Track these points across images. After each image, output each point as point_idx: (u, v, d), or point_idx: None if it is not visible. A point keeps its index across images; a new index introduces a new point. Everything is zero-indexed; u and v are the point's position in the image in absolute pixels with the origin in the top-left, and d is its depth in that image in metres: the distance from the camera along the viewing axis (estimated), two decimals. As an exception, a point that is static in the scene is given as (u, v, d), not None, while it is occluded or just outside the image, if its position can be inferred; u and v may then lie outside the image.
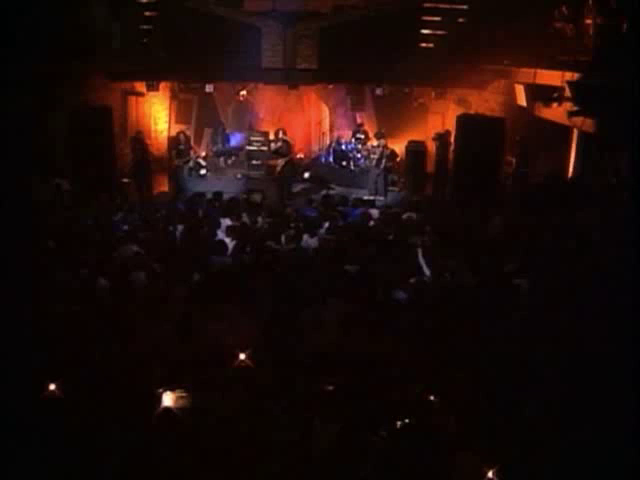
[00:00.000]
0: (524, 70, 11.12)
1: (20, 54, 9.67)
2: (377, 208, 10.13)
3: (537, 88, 10.62)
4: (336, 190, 13.24)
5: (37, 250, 7.42)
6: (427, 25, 13.03)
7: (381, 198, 12.63)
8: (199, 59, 12.38)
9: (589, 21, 8.95)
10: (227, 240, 7.68)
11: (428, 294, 6.11)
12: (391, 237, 8.24)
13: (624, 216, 7.98)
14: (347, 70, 12.51)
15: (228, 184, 13.53)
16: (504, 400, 4.74)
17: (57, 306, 5.73)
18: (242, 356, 4.90)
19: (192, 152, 13.89)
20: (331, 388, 4.87)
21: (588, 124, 9.15)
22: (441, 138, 13.41)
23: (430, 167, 13.88)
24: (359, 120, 15.36)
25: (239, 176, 14.33)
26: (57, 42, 10.43)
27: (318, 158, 15.31)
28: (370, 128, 15.14)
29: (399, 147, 14.42)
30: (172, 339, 5.26)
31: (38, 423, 4.42)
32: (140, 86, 13.83)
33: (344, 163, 14.49)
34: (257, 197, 10.23)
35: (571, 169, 11.38)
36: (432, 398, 4.55)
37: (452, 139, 12.96)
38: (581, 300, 6.08)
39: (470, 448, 4.39)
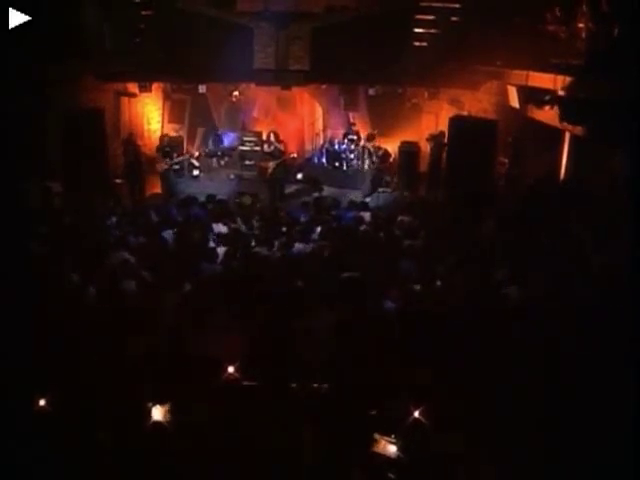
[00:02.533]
0: (516, 72, 11.11)
1: (11, 56, 9.61)
2: (370, 210, 10.09)
3: (529, 90, 10.62)
4: (328, 191, 13.19)
5: (27, 256, 7.40)
6: (419, 25, 12.97)
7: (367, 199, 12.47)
8: (191, 60, 12.31)
9: (582, 25, 8.93)
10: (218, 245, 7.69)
11: (418, 303, 6.12)
12: (383, 242, 8.25)
13: (621, 217, 8.02)
14: (339, 71, 12.45)
15: (221, 185, 13.51)
16: (495, 411, 4.76)
17: (46, 316, 5.70)
18: (231, 369, 4.90)
19: (176, 155, 13.81)
20: (320, 400, 4.89)
21: (579, 128, 9.18)
22: (435, 139, 13.39)
23: (423, 168, 13.87)
24: (351, 120, 15.31)
25: (232, 177, 14.30)
26: (48, 43, 10.36)
27: (311, 158, 15.26)
28: (363, 128, 15.08)
29: (392, 147, 14.42)
30: (162, 351, 5.26)
31: (27, 437, 4.42)
32: (132, 87, 13.76)
33: (337, 164, 14.44)
34: (247, 200, 10.16)
35: (563, 170, 11.38)
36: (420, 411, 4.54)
37: (446, 140, 12.99)
38: (572, 306, 6.10)
39: (460, 461, 4.42)
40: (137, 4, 12.57)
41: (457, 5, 12.60)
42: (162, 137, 13.82)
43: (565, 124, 9.19)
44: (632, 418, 4.22)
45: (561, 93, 9.22)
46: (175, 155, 13.75)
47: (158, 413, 4.58)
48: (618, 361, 4.81)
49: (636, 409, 4.22)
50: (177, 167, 13.59)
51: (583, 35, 8.96)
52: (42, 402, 4.56)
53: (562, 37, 9.59)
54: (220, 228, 8.43)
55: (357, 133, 14.67)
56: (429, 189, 13.33)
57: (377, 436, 4.44)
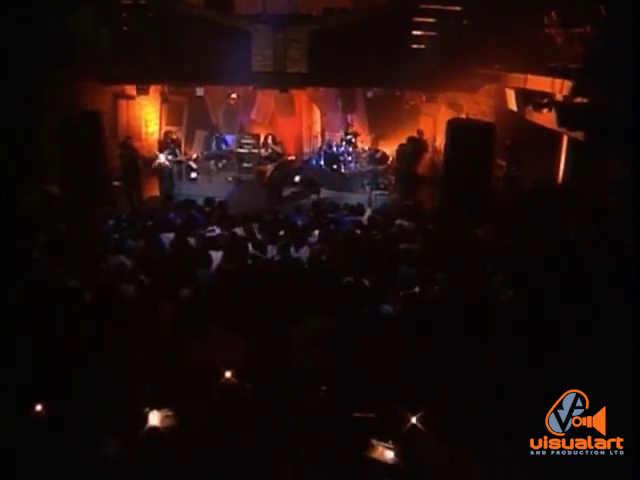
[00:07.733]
0: (515, 75, 11.12)
1: (8, 60, 9.61)
2: (367, 214, 10.07)
3: (528, 93, 10.62)
4: (325, 194, 13.18)
5: (25, 261, 7.38)
6: (418, 28, 12.98)
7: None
8: (189, 63, 12.28)
9: (579, 29, 8.95)
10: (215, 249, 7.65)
11: (415, 308, 6.10)
12: (380, 246, 8.21)
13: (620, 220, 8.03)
14: (337, 74, 12.42)
15: (219, 188, 13.50)
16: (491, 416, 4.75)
17: (42, 321, 5.68)
18: (228, 374, 4.90)
19: (180, 153, 13.79)
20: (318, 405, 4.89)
21: (577, 131, 9.18)
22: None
23: (422, 170, 13.86)
24: (349, 121, 15.26)
25: (230, 179, 14.31)
26: (46, 47, 10.35)
27: (309, 161, 15.24)
28: (362, 130, 15.09)
29: (390, 149, 14.40)
30: (158, 356, 5.25)
31: (23, 443, 4.41)
32: (130, 89, 13.75)
33: (334, 166, 14.41)
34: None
35: (562, 172, 11.37)
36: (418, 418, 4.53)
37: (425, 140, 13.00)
38: (567, 311, 6.09)
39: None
40: (134, 8, 12.57)
41: (456, 8, 12.62)
42: (167, 133, 13.79)
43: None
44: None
45: (559, 96, 9.23)
46: (179, 152, 13.72)
47: (155, 418, 4.57)
48: (618, 365, 4.81)
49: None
50: (178, 169, 13.53)
51: (580, 39, 8.98)
52: (38, 407, 4.56)
53: (559, 41, 9.61)
54: (217, 232, 8.40)
55: (354, 134, 14.64)
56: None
57: (375, 442, 4.43)
